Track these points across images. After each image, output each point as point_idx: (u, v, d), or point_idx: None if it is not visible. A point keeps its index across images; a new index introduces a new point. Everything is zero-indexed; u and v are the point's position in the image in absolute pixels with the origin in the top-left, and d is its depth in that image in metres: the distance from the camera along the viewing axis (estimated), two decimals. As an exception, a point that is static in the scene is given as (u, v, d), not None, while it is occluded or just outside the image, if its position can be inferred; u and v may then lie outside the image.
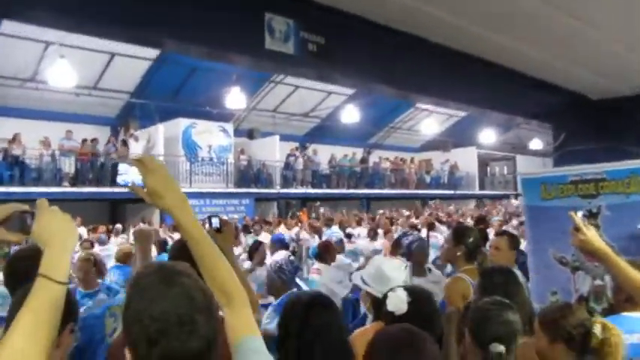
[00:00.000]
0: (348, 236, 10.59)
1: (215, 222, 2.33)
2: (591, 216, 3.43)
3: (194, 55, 4.54)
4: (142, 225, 2.66)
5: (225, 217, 3.06)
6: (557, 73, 6.12)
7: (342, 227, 12.02)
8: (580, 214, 2.30)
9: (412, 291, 2.05)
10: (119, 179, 16.29)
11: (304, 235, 12.84)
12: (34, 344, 1.13)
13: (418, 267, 4.38)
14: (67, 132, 16.39)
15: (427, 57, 5.27)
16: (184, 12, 3.81)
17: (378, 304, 2.35)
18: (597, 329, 2.04)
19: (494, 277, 2.48)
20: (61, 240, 1.30)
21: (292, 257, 4.07)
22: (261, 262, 6.88)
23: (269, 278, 3.83)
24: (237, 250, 9.32)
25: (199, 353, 1.13)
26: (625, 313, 2.41)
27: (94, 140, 17.05)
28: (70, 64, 12.64)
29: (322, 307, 1.82)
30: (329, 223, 12.85)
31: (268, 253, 7.88)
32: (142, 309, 1.13)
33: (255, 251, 6.96)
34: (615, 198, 3.42)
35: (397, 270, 2.76)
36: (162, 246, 8.85)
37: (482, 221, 10.09)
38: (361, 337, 2.45)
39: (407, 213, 16.17)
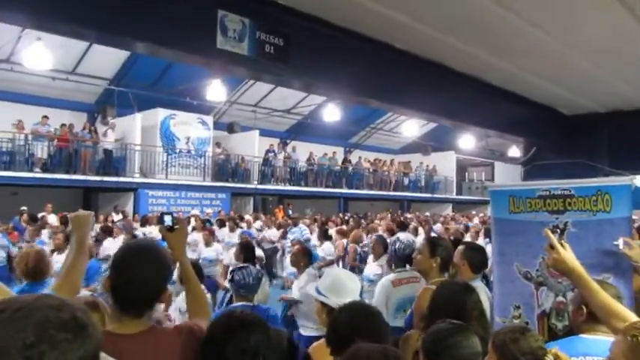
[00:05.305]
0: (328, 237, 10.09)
1: (167, 220, 2.10)
2: (558, 232, 3.41)
3: (142, 51, 4.29)
4: (80, 211, 2.53)
5: (179, 215, 2.93)
6: (531, 88, 6.08)
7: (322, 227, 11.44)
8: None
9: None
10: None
11: (270, 232, 12.74)
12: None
13: None
14: (43, 117, 15.98)
15: (398, 66, 5.09)
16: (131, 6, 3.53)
17: None
18: None
19: (444, 291, 2.45)
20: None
21: (249, 267, 3.99)
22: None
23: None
24: (213, 247, 9.09)
25: None
26: (583, 335, 2.37)
27: (70, 126, 16.68)
28: (46, 47, 12.33)
29: (246, 330, 1.69)
30: (295, 221, 12.74)
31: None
32: None
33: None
34: (582, 215, 3.40)
35: (354, 281, 2.70)
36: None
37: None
38: (319, 349, 2.37)
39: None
